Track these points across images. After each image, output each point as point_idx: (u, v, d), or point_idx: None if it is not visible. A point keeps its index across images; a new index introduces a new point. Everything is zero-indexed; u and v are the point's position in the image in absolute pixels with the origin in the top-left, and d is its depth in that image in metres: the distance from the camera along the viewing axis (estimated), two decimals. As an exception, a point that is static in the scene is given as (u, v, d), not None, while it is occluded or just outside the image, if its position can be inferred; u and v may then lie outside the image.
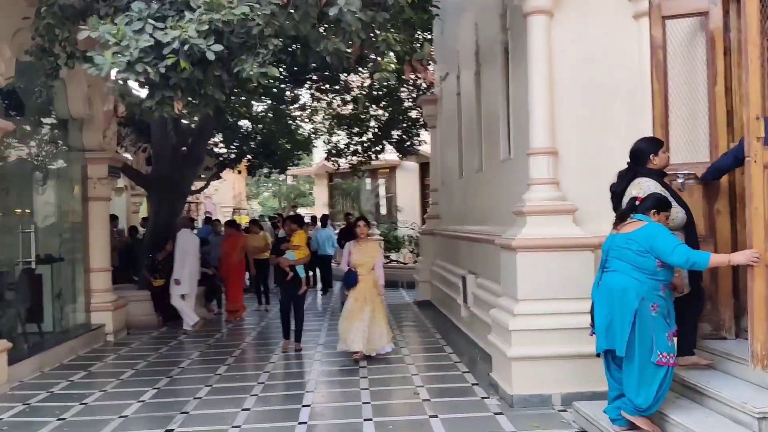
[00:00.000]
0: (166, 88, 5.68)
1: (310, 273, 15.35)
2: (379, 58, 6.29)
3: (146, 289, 11.53)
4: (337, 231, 16.94)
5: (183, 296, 10.97)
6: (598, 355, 4.94)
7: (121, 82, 6.39)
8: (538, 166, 6.19)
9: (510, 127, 7.55)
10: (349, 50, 6.19)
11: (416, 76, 17.09)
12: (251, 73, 5.40)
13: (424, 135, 17.87)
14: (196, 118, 12.06)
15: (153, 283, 11.40)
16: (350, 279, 8.40)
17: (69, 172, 10.49)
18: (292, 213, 15.27)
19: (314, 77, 15.48)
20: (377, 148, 18.57)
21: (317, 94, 18.84)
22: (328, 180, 25.90)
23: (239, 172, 15.64)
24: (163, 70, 5.35)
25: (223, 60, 5.75)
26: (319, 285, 16.48)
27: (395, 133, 18.27)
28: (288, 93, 15.00)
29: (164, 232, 12.36)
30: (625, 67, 6.21)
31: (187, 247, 11.22)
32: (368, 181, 24.36)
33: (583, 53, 6.25)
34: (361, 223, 8.63)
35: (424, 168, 22.75)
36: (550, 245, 6.00)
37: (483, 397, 6.29)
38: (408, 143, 17.88)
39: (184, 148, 13.23)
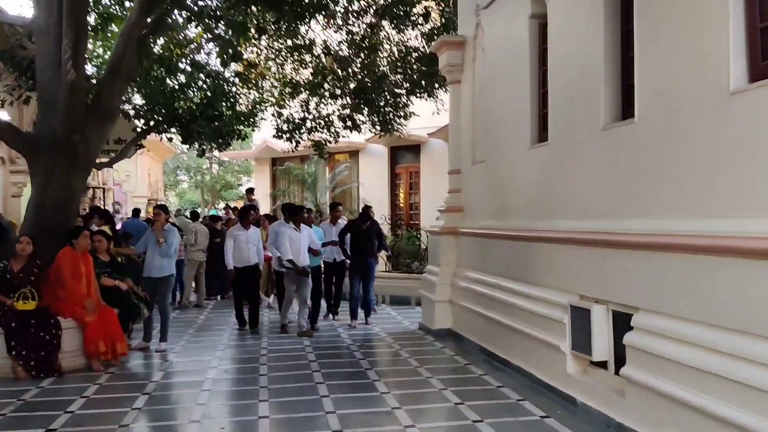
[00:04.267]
0: None
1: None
2: None
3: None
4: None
5: None
6: None
7: None
8: None
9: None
10: None
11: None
12: None
13: (418, 105, 13.80)
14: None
15: (15, 307, 6.96)
16: None
17: None
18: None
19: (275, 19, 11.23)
20: (349, 123, 14.45)
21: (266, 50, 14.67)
22: (272, 165, 21.41)
23: (170, 139, 11.08)
24: None
25: None
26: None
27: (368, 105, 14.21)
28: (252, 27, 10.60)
29: (54, 222, 7.87)
30: None
31: None
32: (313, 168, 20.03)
33: None
34: None
35: (396, 152, 18.80)
36: None
37: None
38: (390, 115, 13.81)
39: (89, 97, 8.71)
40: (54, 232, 7.68)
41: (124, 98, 10.27)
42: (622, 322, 5.14)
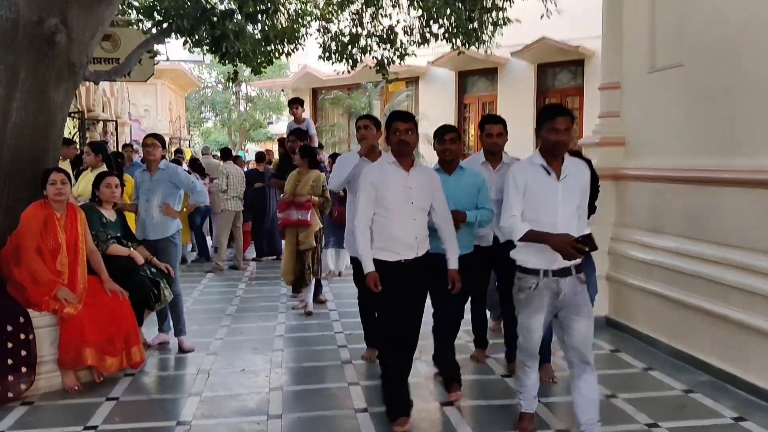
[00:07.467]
0: None
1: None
2: None
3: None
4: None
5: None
6: None
7: None
8: None
9: None
10: None
11: None
12: None
13: (521, 8, 10.45)
14: None
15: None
16: None
17: None
18: None
19: None
20: (418, 37, 11.39)
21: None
22: (312, 96, 18.37)
23: (197, 43, 7.98)
24: None
25: None
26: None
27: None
28: None
29: (21, 159, 5.06)
30: None
31: None
32: (364, 99, 16.95)
33: None
34: None
35: (465, 78, 15.67)
36: None
37: None
38: (477, 23, 10.65)
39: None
40: (21, 174, 4.88)
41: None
42: None
